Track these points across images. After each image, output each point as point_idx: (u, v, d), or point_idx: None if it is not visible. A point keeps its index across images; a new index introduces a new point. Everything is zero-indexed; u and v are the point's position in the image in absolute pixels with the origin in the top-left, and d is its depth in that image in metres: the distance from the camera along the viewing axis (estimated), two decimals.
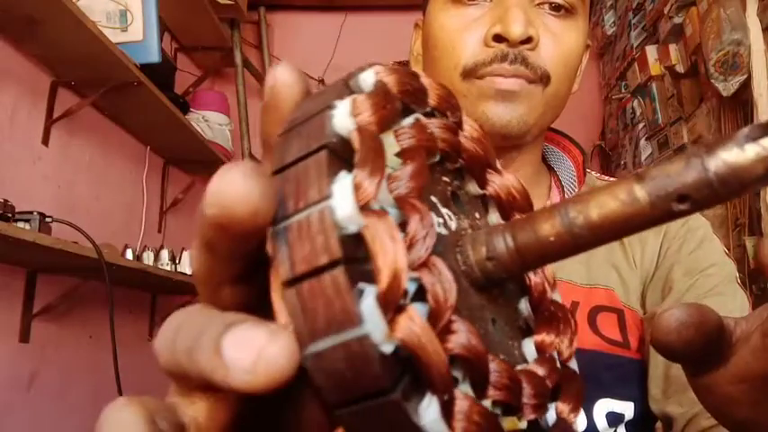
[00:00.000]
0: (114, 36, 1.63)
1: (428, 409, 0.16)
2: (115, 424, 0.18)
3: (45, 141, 1.67)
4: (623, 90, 2.39)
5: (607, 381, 0.55)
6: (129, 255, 1.82)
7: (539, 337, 0.22)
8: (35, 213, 1.38)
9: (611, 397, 0.55)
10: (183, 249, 2.09)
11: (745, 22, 1.46)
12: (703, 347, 0.22)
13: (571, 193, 0.64)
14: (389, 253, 0.16)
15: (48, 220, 1.41)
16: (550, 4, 0.56)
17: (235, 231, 0.17)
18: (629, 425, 0.56)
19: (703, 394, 0.24)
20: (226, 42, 2.44)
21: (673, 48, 1.91)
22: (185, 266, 2.04)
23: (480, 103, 0.55)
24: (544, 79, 0.55)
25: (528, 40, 0.54)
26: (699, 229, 0.61)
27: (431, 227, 0.17)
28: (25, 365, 1.58)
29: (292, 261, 0.16)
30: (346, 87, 0.19)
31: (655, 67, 2.06)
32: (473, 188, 0.24)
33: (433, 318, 0.16)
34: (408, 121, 0.20)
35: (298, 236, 0.16)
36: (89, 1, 1.62)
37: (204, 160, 2.38)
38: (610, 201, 0.18)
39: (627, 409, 0.55)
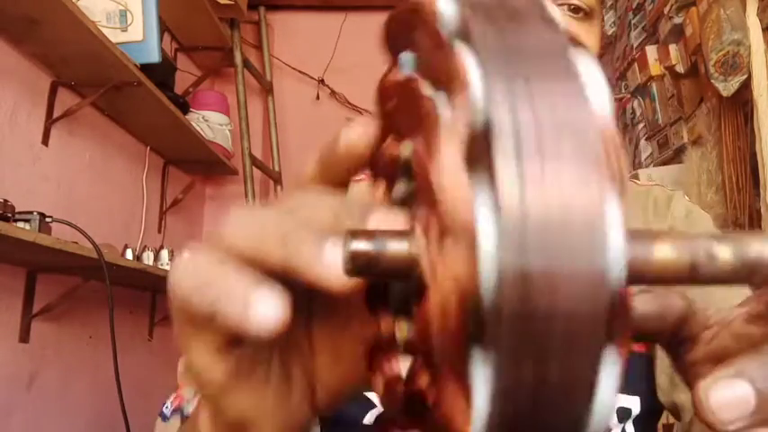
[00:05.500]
0: (114, 36, 1.63)
1: None
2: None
3: (45, 141, 1.67)
4: (623, 90, 2.39)
5: None
6: (129, 255, 1.82)
7: None
8: (35, 213, 1.38)
9: (620, 392, 0.55)
10: (182, 249, 2.09)
11: (745, 22, 1.46)
12: (667, 335, 0.24)
13: None
14: None
15: (48, 220, 1.41)
16: (570, 5, 0.56)
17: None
18: (636, 421, 0.56)
19: (685, 375, 0.25)
20: (226, 42, 2.44)
21: (673, 48, 1.90)
22: None
23: None
24: None
25: None
26: (702, 221, 0.62)
27: None
28: (25, 365, 1.58)
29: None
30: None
31: (655, 67, 2.06)
32: None
33: None
34: None
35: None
36: (89, 1, 1.62)
37: (204, 160, 2.38)
38: None
39: (634, 404, 0.56)
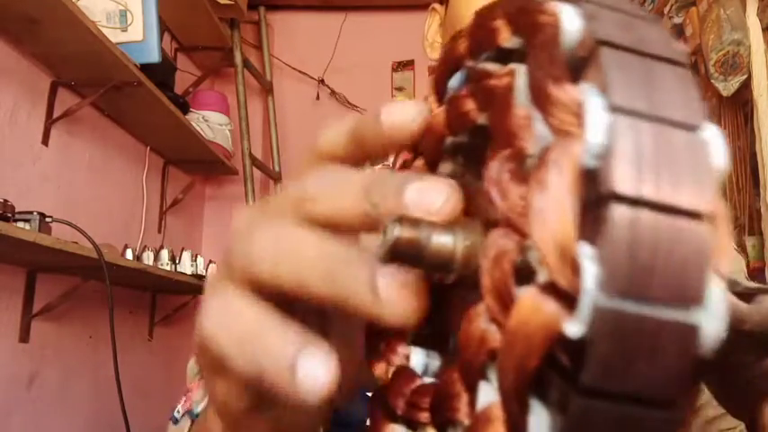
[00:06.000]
0: (114, 36, 1.63)
1: None
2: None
3: (45, 141, 1.67)
4: None
5: None
6: (129, 255, 1.82)
7: None
8: (35, 213, 1.38)
9: None
10: (182, 249, 2.09)
11: (745, 22, 1.46)
12: None
13: None
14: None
15: (48, 220, 1.41)
16: None
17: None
18: None
19: (751, 383, 0.24)
20: (226, 42, 2.44)
21: None
22: (185, 266, 2.04)
23: None
24: None
25: None
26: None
27: None
28: (25, 365, 1.58)
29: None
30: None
31: None
32: None
33: None
34: None
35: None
36: (89, 1, 1.62)
37: (204, 160, 2.38)
38: None
39: None
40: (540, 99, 0.14)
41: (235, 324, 0.19)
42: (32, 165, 1.62)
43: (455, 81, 0.20)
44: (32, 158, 1.63)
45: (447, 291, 0.19)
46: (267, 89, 2.70)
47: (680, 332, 0.12)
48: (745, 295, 0.18)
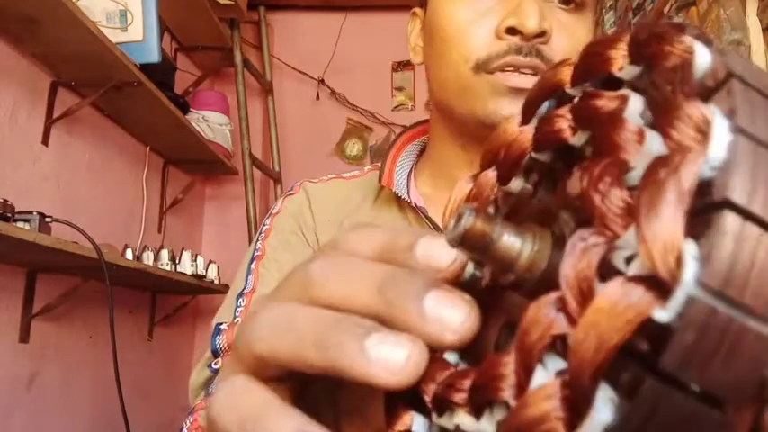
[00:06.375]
0: (114, 36, 1.63)
1: None
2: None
3: (45, 141, 1.67)
4: None
5: None
6: (129, 255, 1.82)
7: None
8: (35, 213, 1.38)
9: None
10: (182, 249, 2.09)
11: (745, 22, 1.46)
12: None
13: None
14: None
15: (48, 220, 1.41)
16: None
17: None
18: None
19: None
20: (226, 42, 2.44)
21: None
22: (185, 266, 2.04)
23: (493, 100, 0.54)
24: None
25: (542, 33, 0.52)
26: None
27: None
28: (25, 365, 1.58)
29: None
30: None
31: None
32: None
33: None
34: None
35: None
36: (89, 1, 1.62)
37: (204, 160, 2.38)
38: None
39: None
40: (666, 112, 0.15)
41: (238, 407, 0.20)
42: (32, 165, 1.62)
43: (545, 108, 0.20)
44: (32, 158, 1.63)
45: (491, 296, 0.20)
46: (267, 89, 2.70)
47: (760, 342, 0.13)
48: None
